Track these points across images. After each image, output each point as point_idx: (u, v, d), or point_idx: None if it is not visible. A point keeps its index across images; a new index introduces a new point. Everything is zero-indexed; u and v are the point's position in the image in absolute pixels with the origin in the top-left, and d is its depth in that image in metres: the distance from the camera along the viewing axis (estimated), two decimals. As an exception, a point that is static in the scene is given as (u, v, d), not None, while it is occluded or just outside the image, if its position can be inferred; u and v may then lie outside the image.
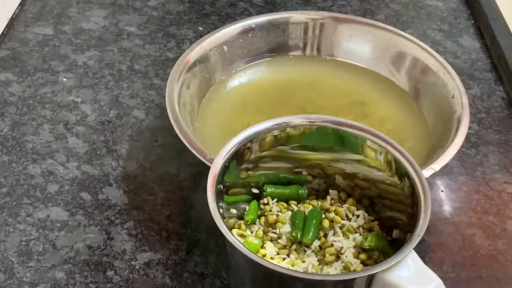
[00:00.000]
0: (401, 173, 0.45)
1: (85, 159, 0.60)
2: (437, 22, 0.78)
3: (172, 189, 0.57)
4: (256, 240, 0.45)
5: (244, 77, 0.65)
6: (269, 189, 0.48)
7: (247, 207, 0.48)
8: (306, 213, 0.47)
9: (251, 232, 0.46)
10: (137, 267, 0.51)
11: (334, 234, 0.46)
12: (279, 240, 0.46)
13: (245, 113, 0.61)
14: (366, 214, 0.48)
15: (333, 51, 0.66)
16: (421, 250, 0.52)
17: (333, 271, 0.44)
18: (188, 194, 0.57)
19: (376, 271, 0.39)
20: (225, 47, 0.64)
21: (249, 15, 0.77)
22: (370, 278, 0.40)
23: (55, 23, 0.75)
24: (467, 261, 0.53)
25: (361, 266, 0.44)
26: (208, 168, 0.44)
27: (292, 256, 0.45)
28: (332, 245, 0.45)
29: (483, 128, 0.64)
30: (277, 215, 0.47)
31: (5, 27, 0.74)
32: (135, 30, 0.75)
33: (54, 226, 0.54)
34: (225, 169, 0.45)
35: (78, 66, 0.70)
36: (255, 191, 0.48)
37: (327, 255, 0.45)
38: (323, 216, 0.47)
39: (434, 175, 0.51)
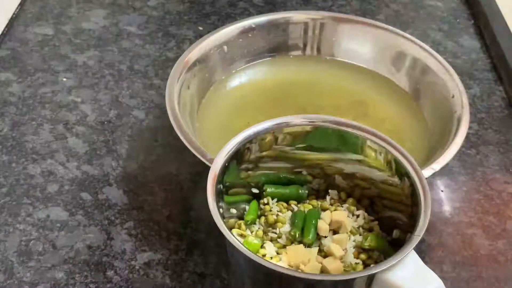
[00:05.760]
0: (401, 173, 0.45)
1: (85, 159, 0.59)
2: (437, 22, 0.78)
3: (172, 189, 0.57)
4: (256, 240, 0.45)
5: (244, 77, 0.65)
6: (269, 189, 0.48)
7: (247, 207, 0.48)
8: (306, 213, 0.47)
9: (251, 232, 0.46)
10: (137, 267, 0.51)
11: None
12: (279, 240, 0.46)
13: (245, 113, 0.61)
14: (366, 214, 0.47)
15: (333, 51, 0.66)
16: (421, 250, 0.52)
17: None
18: (188, 194, 0.57)
19: (376, 271, 0.39)
20: (225, 47, 0.64)
21: (249, 15, 0.77)
22: (370, 278, 0.39)
23: (55, 23, 0.75)
24: (467, 261, 0.53)
25: (361, 266, 0.44)
26: (208, 168, 0.44)
27: (292, 256, 0.45)
28: (332, 245, 0.45)
29: (483, 128, 0.64)
30: (277, 215, 0.47)
31: (5, 27, 0.74)
32: (135, 30, 0.75)
33: (54, 226, 0.54)
34: (225, 169, 0.45)
35: (78, 66, 0.70)
36: (255, 191, 0.48)
37: (327, 255, 0.45)
38: (323, 216, 0.47)
39: (434, 175, 0.51)
